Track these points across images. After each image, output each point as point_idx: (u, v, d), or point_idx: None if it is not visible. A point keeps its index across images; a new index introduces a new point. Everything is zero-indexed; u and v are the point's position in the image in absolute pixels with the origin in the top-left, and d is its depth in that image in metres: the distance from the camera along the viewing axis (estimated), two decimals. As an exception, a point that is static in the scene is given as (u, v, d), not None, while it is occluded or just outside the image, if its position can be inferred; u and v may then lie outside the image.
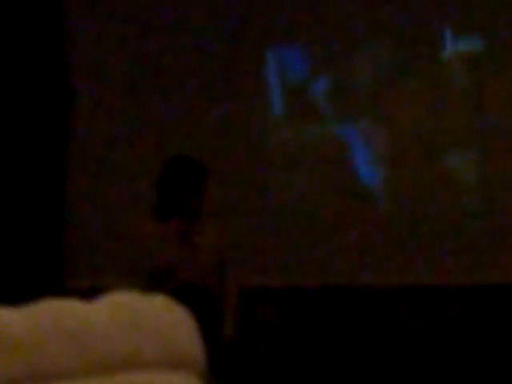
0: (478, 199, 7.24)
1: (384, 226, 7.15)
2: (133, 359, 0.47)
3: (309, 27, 7.39)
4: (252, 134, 7.32)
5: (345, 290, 6.97)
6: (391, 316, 6.59)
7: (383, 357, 6.41)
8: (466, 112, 7.20)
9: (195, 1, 7.42)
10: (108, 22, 6.91)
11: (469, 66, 7.27)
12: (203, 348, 0.52)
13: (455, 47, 7.31)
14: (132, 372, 0.47)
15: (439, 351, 6.23)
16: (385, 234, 7.13)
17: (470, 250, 6.95)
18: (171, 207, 5.61)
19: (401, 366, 6.38)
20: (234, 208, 7.12)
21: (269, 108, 7.42)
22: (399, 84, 7.33)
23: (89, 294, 0.64)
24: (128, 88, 7.00)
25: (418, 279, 6.93)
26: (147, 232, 5.59)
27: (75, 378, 0.47)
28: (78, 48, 6.14)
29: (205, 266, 5.48)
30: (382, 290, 6.93)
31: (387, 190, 7.33)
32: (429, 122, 7.24)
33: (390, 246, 7.05)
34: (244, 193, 7.19)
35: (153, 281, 5.18)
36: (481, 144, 7.21)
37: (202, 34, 7.13)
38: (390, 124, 7.34)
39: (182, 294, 4.21)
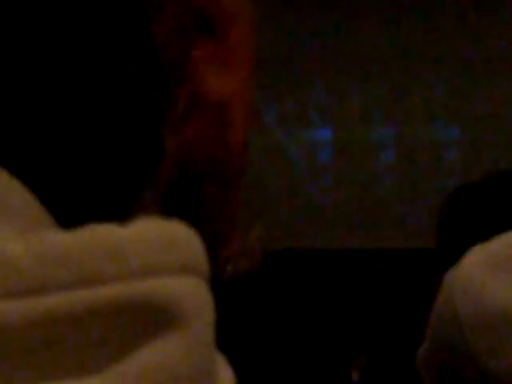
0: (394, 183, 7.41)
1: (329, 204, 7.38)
2: (160, 267, 0.40)
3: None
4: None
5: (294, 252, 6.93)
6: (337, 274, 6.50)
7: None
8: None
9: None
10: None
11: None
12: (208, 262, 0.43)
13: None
14: (160, 278, 0.40)
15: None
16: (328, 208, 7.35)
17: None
18: None
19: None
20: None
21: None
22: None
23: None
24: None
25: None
26: None
27: (115, 283, 0.37)
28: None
29: None
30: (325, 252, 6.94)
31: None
32: (359, 127, 7.54)
33: (333, 216, 7.30)
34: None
35: None
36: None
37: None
38: (335, 130, 7.60)
39: None
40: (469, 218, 1.43)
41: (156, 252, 0.38)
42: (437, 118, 7.32)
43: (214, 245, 0.53)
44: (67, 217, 0.46)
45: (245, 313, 2.71)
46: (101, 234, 0.38)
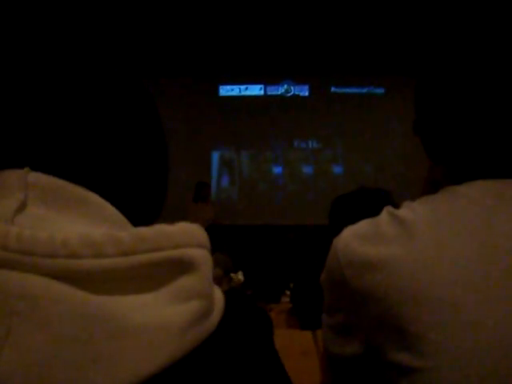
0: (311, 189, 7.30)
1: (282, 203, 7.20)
2: (188, 244, 0.39)
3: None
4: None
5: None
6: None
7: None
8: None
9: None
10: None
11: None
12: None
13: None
14: (188, 248, 0.39)
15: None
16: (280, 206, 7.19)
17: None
18: (197, 195, 5.95)
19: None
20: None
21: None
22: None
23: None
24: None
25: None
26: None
27: (168, 250, 0.39)
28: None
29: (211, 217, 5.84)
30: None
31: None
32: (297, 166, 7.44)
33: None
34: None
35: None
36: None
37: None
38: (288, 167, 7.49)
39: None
40: (344, 212, 1.42)
41: (187, 236, 0.40)
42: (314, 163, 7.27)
43: None
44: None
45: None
46: (161, 228, 0.39)
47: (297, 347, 1.37)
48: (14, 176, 0.40)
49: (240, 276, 3.00)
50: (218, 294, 0.43)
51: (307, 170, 7.48)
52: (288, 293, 2.65)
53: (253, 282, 2.41)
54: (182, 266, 0.39)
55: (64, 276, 0.35)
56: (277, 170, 7.51)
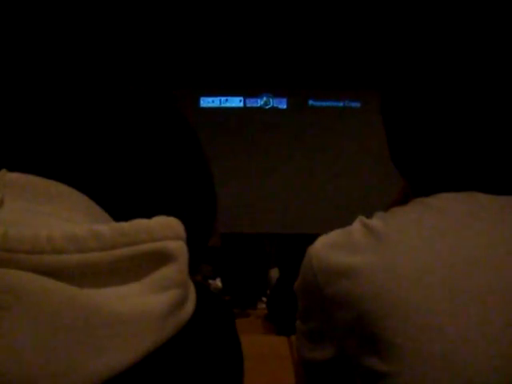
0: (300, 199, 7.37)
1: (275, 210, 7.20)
2: (166, 236, 0.40)
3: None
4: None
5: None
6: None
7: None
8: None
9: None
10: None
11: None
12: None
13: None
14: (166, 241, 0.40)
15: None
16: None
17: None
18: None
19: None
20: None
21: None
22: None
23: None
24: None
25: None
26: None
27: (147, 243, 0.39)
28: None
29: None
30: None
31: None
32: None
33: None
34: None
35: None
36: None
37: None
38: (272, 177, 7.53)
39: None
40: None
41: (164, 229, 0.41)
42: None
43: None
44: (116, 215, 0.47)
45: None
46: (140, 222, 0.40)
47: (272, 352, 1.36)
48: None
49: (218, 282, 2.99)
50: (191, 285, 0.44)
51: (284, 180, 7.51)
52: (264, 299, 2.65)
53: (231, 288, 2.40)
54: (161, 258, 0.40)
55: (49, 271, 0.36)
56: (255, 180, 7.52)
